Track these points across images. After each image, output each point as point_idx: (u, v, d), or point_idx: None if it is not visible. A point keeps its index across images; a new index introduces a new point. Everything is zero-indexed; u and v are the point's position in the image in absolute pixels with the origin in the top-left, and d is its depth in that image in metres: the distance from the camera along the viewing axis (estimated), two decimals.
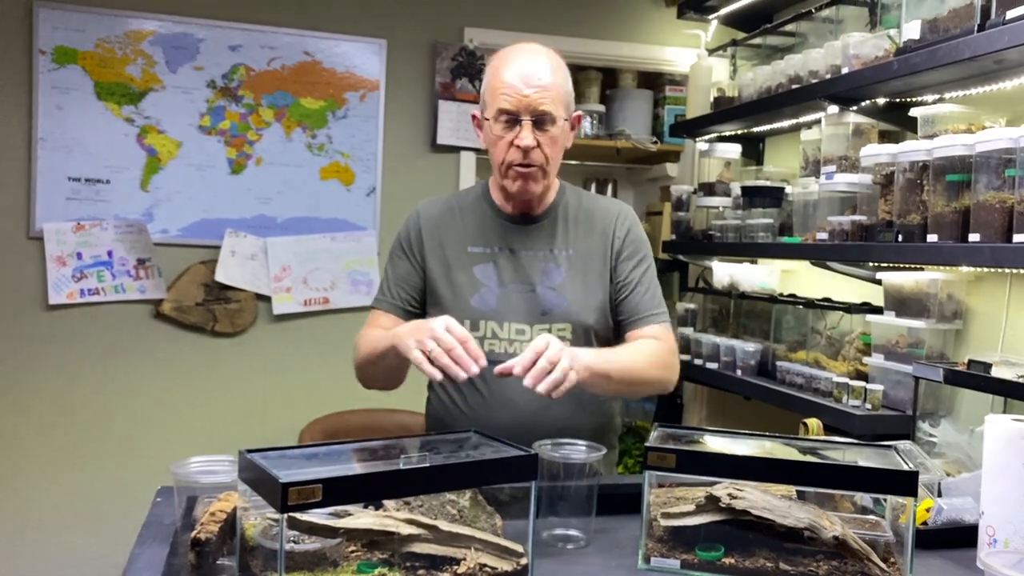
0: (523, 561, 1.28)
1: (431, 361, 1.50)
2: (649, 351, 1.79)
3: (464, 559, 1.23)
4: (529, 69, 1.72)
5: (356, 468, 1.27)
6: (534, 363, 1.50)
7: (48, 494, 3.18)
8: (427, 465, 1.24)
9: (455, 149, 3.56)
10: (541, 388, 1.49)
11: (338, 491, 1.12)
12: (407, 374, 1.78)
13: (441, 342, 1.50)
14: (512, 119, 1.72)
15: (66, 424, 3.19)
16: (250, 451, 1.19)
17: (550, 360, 1.50)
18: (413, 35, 3.50)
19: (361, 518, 1.22)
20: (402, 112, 3.51)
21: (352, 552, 1.22)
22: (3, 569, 3.12)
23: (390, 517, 1.23)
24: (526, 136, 1.71)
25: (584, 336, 1.81)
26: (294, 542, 1.18)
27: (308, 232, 3.41)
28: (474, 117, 1.86)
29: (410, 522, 1.23)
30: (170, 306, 3.27)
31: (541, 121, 1.72)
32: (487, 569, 1.24)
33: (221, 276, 3.30)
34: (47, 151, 3.14)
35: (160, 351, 3.28)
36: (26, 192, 3.13)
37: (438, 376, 1.51)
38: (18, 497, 3.15)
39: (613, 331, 1.88)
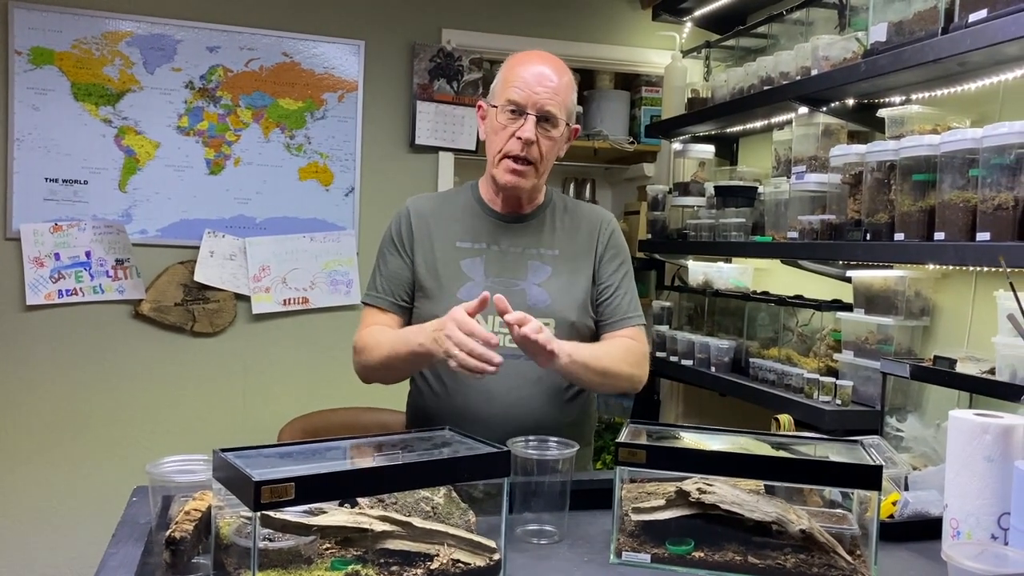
0: (496, 557, 1.29)
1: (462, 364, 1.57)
2: (624, 349, 1.86)
3: (437, 555, 1.25)
4: (544, 72, 1.80)
5: (330, 466, 1.29)
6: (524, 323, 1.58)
7: (25, 493, 3.17)
8: (400, 463, 1.26)
9: (433, 149, 3.57)
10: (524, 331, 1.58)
11: (311, 489, 1.13)
12: None
13: (462, 346, 1.55)
14: (518, 111, 1.78)
15: (44, 424, 3.18)
16: (224, 450, 1.20)
17: (533, 330, 1.58)
18: (391, 36, 3.51)
19: (335, 515, 1.23)
20: (380, 113, 3.52)
21: (326, 549, 1.23)
22: None
23: (364, 514, 1.24)
24: (528, 129, 1.77)
25: (567, 331, 1.84)
26: (268, 540, 1.19)
27: (287, 232, 3.42)
28: (479, 107, 1.91)
29: (384, 519, 1.24)
30: (149, 306, 3.27)
31: (545, 120, 1.79)
32: (460, 565, 1.25)
33: (200, 276, 3.30)
34: (24, 151, 3.13)
35: (139, 351, 3.28)
36: (2, 193, 3.12)
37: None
38: None
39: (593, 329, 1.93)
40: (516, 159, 1.79)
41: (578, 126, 1.93)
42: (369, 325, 1.88)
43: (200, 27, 3.29)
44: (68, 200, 3.19)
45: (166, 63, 3.27)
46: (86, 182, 3.20)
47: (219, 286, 3.33)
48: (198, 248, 3.30)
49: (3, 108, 3.11)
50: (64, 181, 3.18)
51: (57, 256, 3.17)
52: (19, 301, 3.14)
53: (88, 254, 3.20)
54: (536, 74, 1.79)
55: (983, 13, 1.80)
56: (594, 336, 1.92)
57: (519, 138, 1.78)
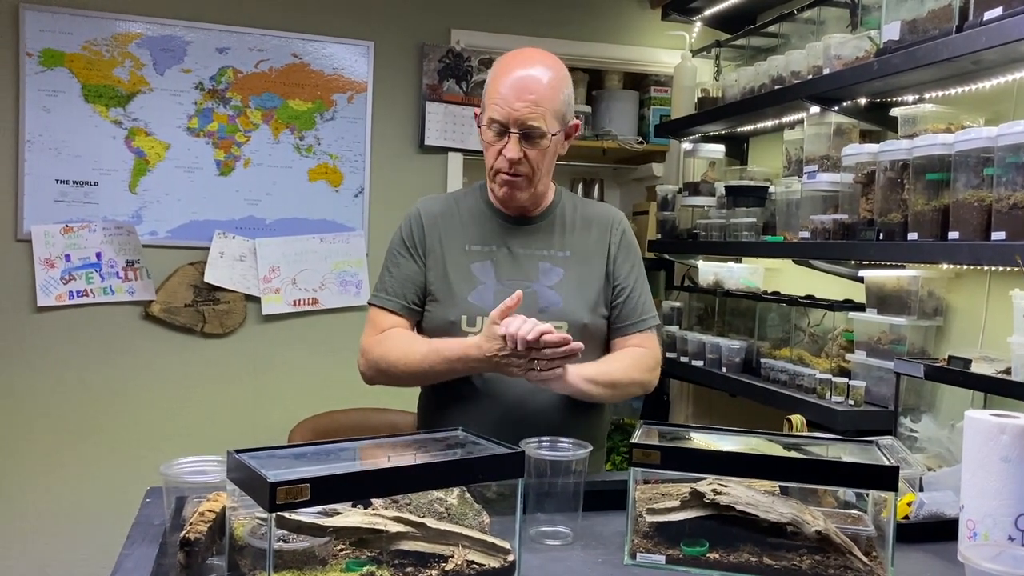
0: (510, 558, 1.29)
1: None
2: (632, 358, 1.87)
3: (452, 556, 1.24)
4: (524, 81, 1.73)
5: (344, 467, 1.28)
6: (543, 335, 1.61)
7: (38, 495, 3.17)
8: (414, 463, 1.26)
9: (443, 150, 3.57)
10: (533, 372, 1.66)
11: (326, 490, 1.13)
12: None
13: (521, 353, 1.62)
14: (502, 129, 1.75)
15: (56, 426, 3.19)
16: (238, 451, 1.20)
17: (553, 342, 1.62)
18: (400, 37, 3.51)
19: (349, 517, 1.22)
20: (390, 113, 3.52)
21: (340, 550, 1.23)
22: None
23: (378, 515, 1.24)
24: (512, 149, 1.74)
25: (580, 334, 1.82)
26: (283, 541, 1.18)
27: (297, 233, 3.42)
28: (475, 114, 1.88)
29: (398, 520, 1.23)
30: (159, 307, 3.27)
31: (529, 135, 1.74)
32: (475, 566, 1.25)
33: (210, 277, 3.31)
34: (34, 153, 3.14)
35: (149, 352, 3.28)
36: (13, 194, 3.13)
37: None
38: (7, 498, 3.14)
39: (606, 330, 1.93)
40: (507, 174, 1.78)
41: (577, 121, 1.88)
42: (382, 329, 1.85)
43: (210, 28, 3.29)
44: (78, 201, 3.19)
45: (176, 64, 3.27)
46: (96, 183, 3.21)
47: (229, 287, 3.34)
48: (208, 249, 3.31)
49: (14, 110, 3.12)
50: (74, 183, 3.19)
51: (68, 257, 3.18)
52: (30, 303, 3.15)
53: (98, 255, 3.21)
54: (516, 85, 1.73)
55: (998, 11, 1.78)
56: (606, 337, 1.91)
57: (505, 157, 1.75)
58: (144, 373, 3.28)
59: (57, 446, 3.19)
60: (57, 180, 3.17)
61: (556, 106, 1.77)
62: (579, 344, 1.63)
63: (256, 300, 3.38)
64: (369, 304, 1.92)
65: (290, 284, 3.40)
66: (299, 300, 3.42)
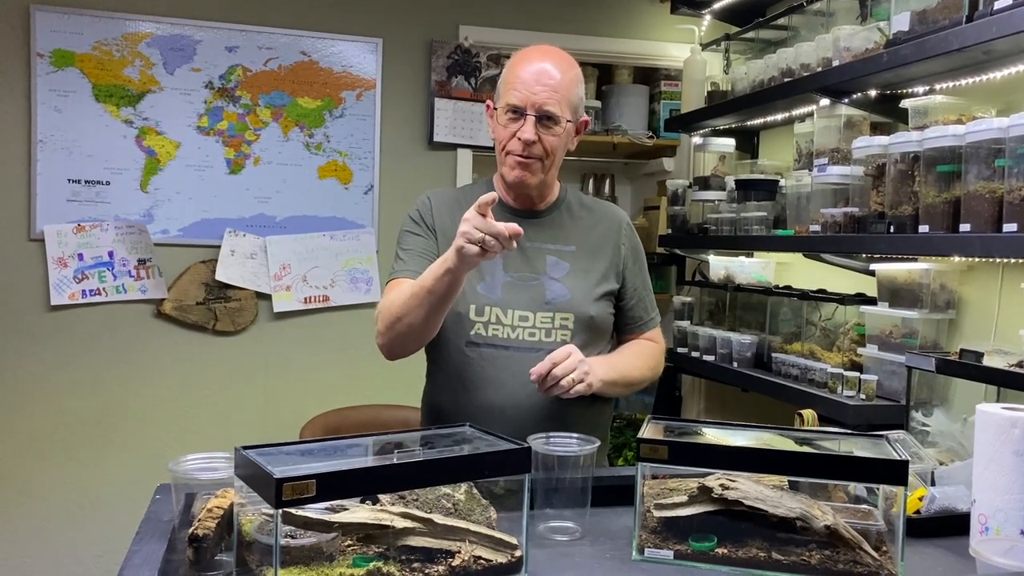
0: (517, 553, 1.29)
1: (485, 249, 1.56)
2: (644, 354, 1.96)
3: (459, 552, 1.24)
4: (543, 69, 1.80)
5: (351, 463, 1.29)
6: (549, 371, 1.67)
7: (50, 492, 3.20)
8: (421, 459, 1.26)
9: (452, 146, 3.57)
10: (554, 392, 1.69)
11: (332, 486, 1.13)
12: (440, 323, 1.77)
13: (485, 229, 1.56)
14: (518, 113, 1.79)
15: (68, 423, 3.21)
16: (245, 447, 1.21)
17: (564, 370, 1.67)
18: (409, 34, 3.51)
19: (356, 512, 1.23)
20: (399, 110, 3.52)
21: (348, 546, 1.23)
22: (4, 565, 3.14)
23: (385, 511, 1.24)
24: (528, 130, 1.78)
25: (585, 326, 1.86)
26: (290, 537, 1.19)
27: (307, 231, 3.43)
28: (488, 106, 1.92)
29: (405, 516, 1.23)
30: (171, 306, 3.29)
31: (545, 119, 1.79)
32: (482, 561, 1.25)
33: (221, 275, 3.32)
34: (47, 153, 3.16)
35: (161, 350, 3.30)
36: (26, 194, 3.15)
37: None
38: (20, 495, 3.17)
39: (613, 326, 1.97)
40: (520, 156, 1.81)
41: (587, 118, 1.92)
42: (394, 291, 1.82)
43: (219, 27, 3.31)
44: (91, 201, 3.21)
45: (185, 63, 3.28)
46: (108, 183, 3.23)
47: (240, 285, 3.35)
48: (219, 247, 3.32)
49: (26, 110, 3.14)
50: (86, 182, 3.21)
51: (80, 256, 3.20)
52: (43, 301, 3.17)
53: (111, 254, 3.23)
54: (535, 73, 1.79)
55: (1009, 0, 1.77)
56: (610, 330, 1.95)
57: (520, 139, 1.79)
58: (156, 371, 3.30)
59: (70, 443, 3.22)
60: (69, 180, 3.19)
61: (571, 97, 1.83)
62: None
63: (267, 298, 3.39)
64: (387, 283, 1.89)
65: (301, 281, 3.41)
66: (310, 297, 3.43)
